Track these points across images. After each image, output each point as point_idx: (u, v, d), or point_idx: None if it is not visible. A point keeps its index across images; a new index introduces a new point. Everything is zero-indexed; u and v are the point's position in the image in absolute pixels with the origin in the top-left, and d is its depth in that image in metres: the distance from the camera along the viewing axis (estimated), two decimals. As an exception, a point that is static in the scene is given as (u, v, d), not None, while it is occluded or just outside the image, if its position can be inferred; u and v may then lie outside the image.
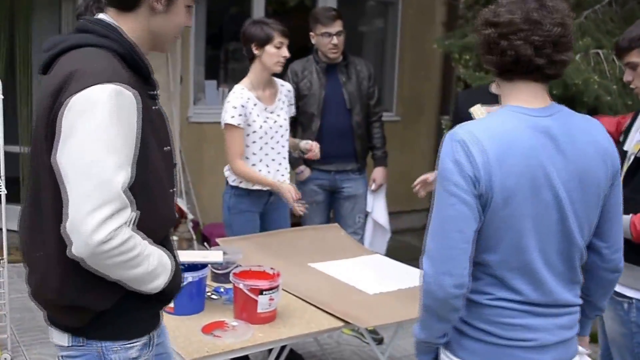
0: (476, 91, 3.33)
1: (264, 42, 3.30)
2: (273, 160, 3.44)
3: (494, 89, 3.14)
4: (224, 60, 6.34)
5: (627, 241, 1.84)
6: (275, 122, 3.42)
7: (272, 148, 3.43)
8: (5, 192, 3.44)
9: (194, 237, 5.26)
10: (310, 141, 3.60)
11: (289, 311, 2.59)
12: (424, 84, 6.51)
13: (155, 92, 1.73)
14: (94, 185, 1.49)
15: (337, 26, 3.84)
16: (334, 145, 3.84)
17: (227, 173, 3.48)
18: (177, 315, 2.46)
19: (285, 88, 3.55)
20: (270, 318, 2.50)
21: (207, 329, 2.39)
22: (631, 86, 2.31)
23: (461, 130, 1.60)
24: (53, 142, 1.55)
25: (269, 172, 3.42)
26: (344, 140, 3.96)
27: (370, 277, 2.97)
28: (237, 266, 2.75)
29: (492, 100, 2.54)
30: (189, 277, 2.45)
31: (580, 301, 1.74)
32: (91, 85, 1.52)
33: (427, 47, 5.74)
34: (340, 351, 3.96)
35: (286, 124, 3.49)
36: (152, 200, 1.64)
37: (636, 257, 2.11)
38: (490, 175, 1.54)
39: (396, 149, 5.27)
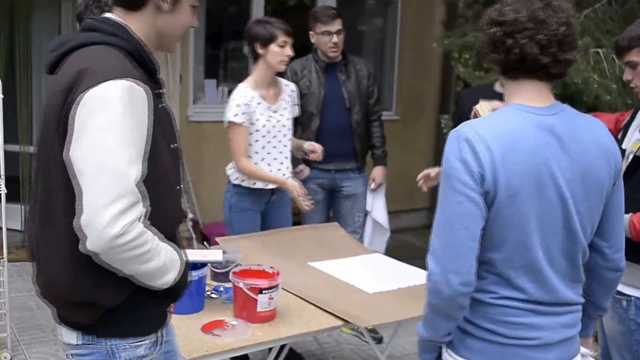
0: (480, 89, 3.33)
1: (267, 41, 3.32)
2: (275, 159, 3.44)
3: (497, 87, 3.15)
4: (224, 59, 6.34)
5: (626, 240, 1.84)
6: (278, 121, 3.42)
7: (275, 147, 3.43)
8: (5, 191, 3.44)
9: (194, 236, 5.26)
10: (314, 143, 3.61)
11: (288, 310, 2.59)
12: (423, 83, 6.51)
13: (161, 90, 1.74)
14: (109, 179, 1.50)
15: (337, 25, 3.85)
16: (334, 144, 3.85)
17: (229, 172, 3.48)
18: (177, 314, 2.46)
19: (289, 88, 3.56)
20: (269, 317, 2.50)
21: (207, 328, 2.39)
22: (631, 85, 2.31)
23: (466, 128, 1.60)
24: (65, 139, 1.56)
25: (270, 171, 3.42)
26: (343, 139, 3.97)
27: (370, 276, 2.97)
28: (236, 265, 2.76)
29: (496, 98, 2.54)
30: (188, 276, 2.45)
31: (582, 300, 1.74)
32: (103, 82, 1.53)
33: (427, 46, 5.74)
34: (339, 350, 3.96)
35: (289, 124, 3.49)
36: (160, 197, 1.65)
37: (635, 256, 2.11)
38: (495, 173, 1.55)
39: (396, 148, 5.27)
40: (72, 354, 1.73)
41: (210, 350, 2.25)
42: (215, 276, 2.85)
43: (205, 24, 5.74)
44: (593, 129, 1.68)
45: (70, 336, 1.71)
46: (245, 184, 3.41)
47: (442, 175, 1.61)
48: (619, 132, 2.38)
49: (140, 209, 1.54)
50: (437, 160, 5.48)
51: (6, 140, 3.52)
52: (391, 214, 4.41)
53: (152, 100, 1.61)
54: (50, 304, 1.73)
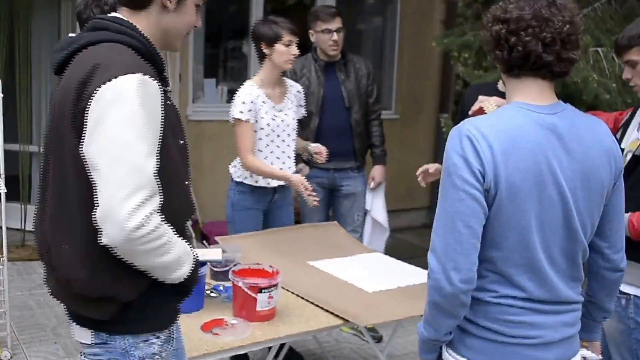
0: (483, 87, 3.33)
1: (273, 40, 3.33)
2: (278, 158, 3.44)
3: (500, 86, 3.15)
4: (223, 58, 6.34)
5: (625, 238, 1.84)
6: (283, 120, 3.43)
7: (278, 146, 3.43)
8: (5, 190, 3.44)
9: (193, 235, 5.24)
10: (319, 145, 3.60)
11: (288, 309, 2.59)
12: (423, 82, 6.51)
13: (167, 87, 1.75)
14: (128, 171, 1.51)
15: (337, 23, 3.86)
16: (333, 143, 3.84)
17: (232, 170, 3.49)
18: (177, 313, 2.47)
19: (295, 88, 3.57)
20: (269, 316, 2.50)
21: (206, 327, 2.39)
22: (630, 84, 2.31)
23: (468, 125, 1.60)
24: (81, 133, 1.56)
25: None
26: (343, 138, 3.97)
27: (369, 275, 2.97)
28: (236, 264, 2.76)
29: (499, 97, 2.54)
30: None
31: (581, 298, 1.75)
32: (118, 76, 1.54)
33: (426, 45, 5.74)
34: (339, 349, 3.96)
35: (294, 124, 3.50)
36: (171, 191, 1.65)
37: (634, 254, 2.11)
38: (496, 171, 1.55)
39: (395, 147, 5.27)
40: (86, 353, 1.73)
41: (209, 349, 2.25)
42: (215, 275, 2.85)
43: (205, 23, 5.74)
44: (595, 128, 1.68)
45: (84, 335, 1.71)
46: (247, 181, 3.41)
47: (443, 172, 1.62)
48: (618, 131, 2.38)
49: (158, 201, 1.55)
50: (436, 159, 5.48)
51: (6, 140, 3.52)
52: (391, 213, 4.41)
53: (163, 95, 1.62)
54: (64, 302, 1.73)
